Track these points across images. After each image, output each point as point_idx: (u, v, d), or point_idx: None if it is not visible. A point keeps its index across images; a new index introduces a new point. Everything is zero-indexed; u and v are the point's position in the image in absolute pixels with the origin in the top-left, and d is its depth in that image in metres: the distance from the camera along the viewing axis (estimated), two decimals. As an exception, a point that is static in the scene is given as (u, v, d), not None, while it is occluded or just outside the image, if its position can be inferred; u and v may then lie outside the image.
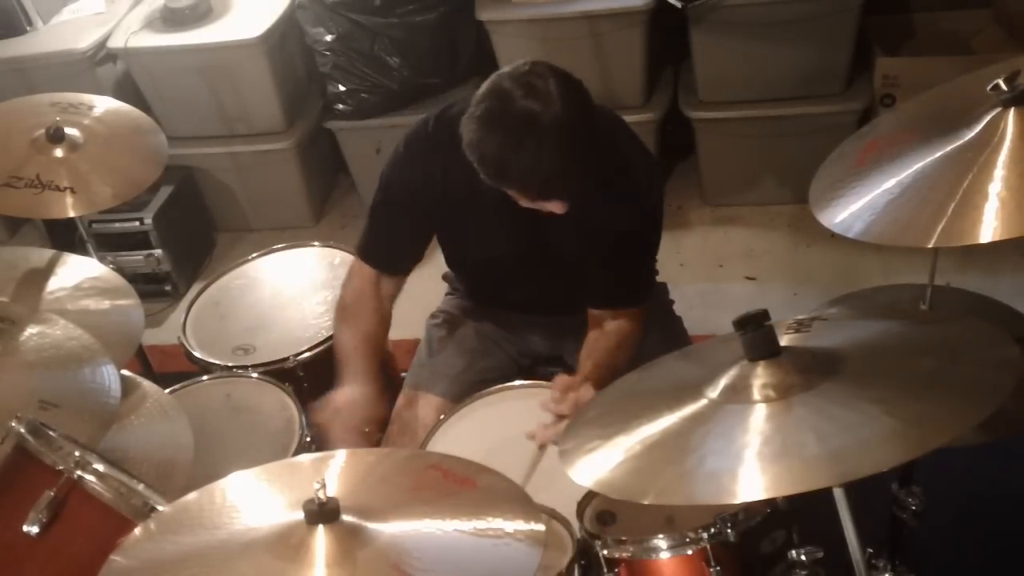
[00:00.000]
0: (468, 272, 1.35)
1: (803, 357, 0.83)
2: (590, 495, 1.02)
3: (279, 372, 1.34)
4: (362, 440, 1.17)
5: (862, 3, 1.89)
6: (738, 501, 0.79)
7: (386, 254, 1.25)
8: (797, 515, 0.96)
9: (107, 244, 2.07)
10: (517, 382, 1.26)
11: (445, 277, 1.43)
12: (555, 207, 1.06)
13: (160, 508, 0.83)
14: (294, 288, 1.51)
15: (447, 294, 1.42)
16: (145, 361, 1.50)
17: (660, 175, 1.22)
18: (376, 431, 1.21)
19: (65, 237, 1.81)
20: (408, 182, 1.19)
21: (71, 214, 1.30)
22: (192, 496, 0.81)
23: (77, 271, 1.33)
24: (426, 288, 1.46)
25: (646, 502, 0.76)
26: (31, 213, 1.49)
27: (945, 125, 0.88)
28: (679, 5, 1.91)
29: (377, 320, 1.26)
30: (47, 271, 1.32)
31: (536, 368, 1.37)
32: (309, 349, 1.36)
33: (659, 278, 1.32)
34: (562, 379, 1.14)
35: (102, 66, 2.17)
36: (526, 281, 1.26)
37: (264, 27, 2.08)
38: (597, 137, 1.03)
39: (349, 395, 1.20)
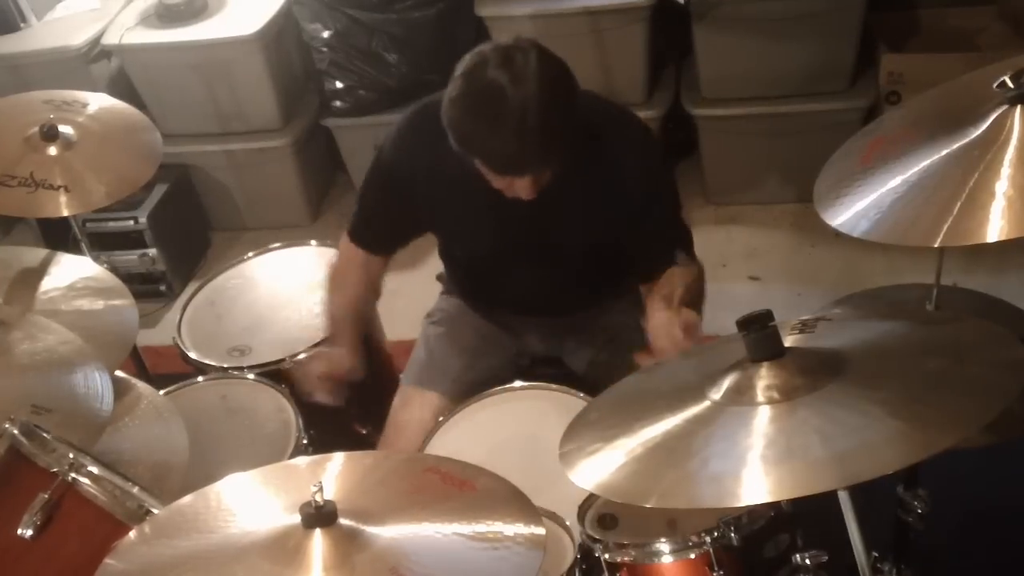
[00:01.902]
0: (462, 268, 1.34)
1: (807, 358, 0.82)
2: (591, 498, 1.02)
3: (275, 373, 1.33)
4: (319, 387, 1.25)
5: (866, -1, 1.88)
6: (741, 504, 0.79)
7: (371, 235, 1.27)
8: (801, 518, 0.95)
9: (101, 243, 2.06)
10: (517, 383, 1.25)
11: (439, 277, 1.42)
12: (522, 190, 1.04)
13: (155, 511, 0.83)
14: (291, 288, 1.50)
15: (442, 293, 1.41)
16: (140, 362, 1.49)
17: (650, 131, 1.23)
18: (332, 386, 1.27)
19: (59, 236, 1.80)
20: (396, 168, 1.20)
21: (65, 213, 1.28)
22: (187, 499, 0.80)
23: (71, 271, 1.31)
24: (424, 288, 1.45)
25: (648, 505, 0.75)
26: (24, 212, 1.48)
27: (951, 123, 0.87)
28: (681, 1, 1.90)
29: (362, 291, 1.30)
30: (40, 271, 1.31)
31: (535, 369, 1.36)
32: (306, 350, 1.35)
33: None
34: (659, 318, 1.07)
35: (96, 63, 2.15)
36: (520, 278, 1.24)
37: (260, 23, 2.06)
38: (573, 120, 1.01)
39: (325, 350, 1.27)
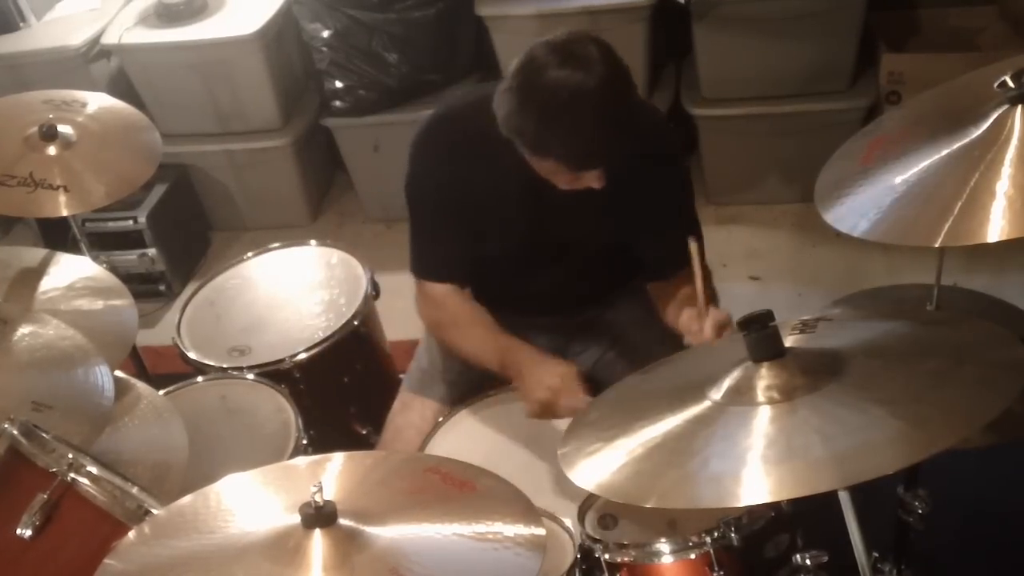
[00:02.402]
0: (479, 270, 1.32)
1: (808, 358, 0.82)
2: (591, 498, 1.01)
3: (275, 373, 1.33)
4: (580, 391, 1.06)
5: (867, -1, 1.88)
6: (742, 504, 0.78)
7: (454, 267, 1.18)
8: (802, 518, 0.95)
9: (100, 243, 2.06)
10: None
11: None
12: (593, 180, 1.03)
13: (154, 511, 0.82)
14: (291, 288, 1.49)
15: None
16: (139, 362, 1.48)
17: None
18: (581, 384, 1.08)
19: (58, 236, 1.80)
20: (435, 190, 1.15)
21: (64, 213, 1.28)
22: (187, 499, 0.80)
23: (70, 271, 1.31)
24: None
25: (648, 505, 0.75)
26: (24, 212, 1.48)
27: (951, 123, 0.87)
28: (681, 0, 1.90)
29: (481, 313, 1.17)
30: (40, 270, 1.31)
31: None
32: (306, 350, 1.35)
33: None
34: (689, 315, 1.05)
35: (96, 63, 2.15)
36: (537, 278, 1.23)
37: (260, 23, 2.06)
38: (636, 100, 1.02)
39: (546, 370, 1.09)
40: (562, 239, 1.17)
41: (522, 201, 1.10)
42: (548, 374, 1.08)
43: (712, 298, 1.07)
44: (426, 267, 1.19)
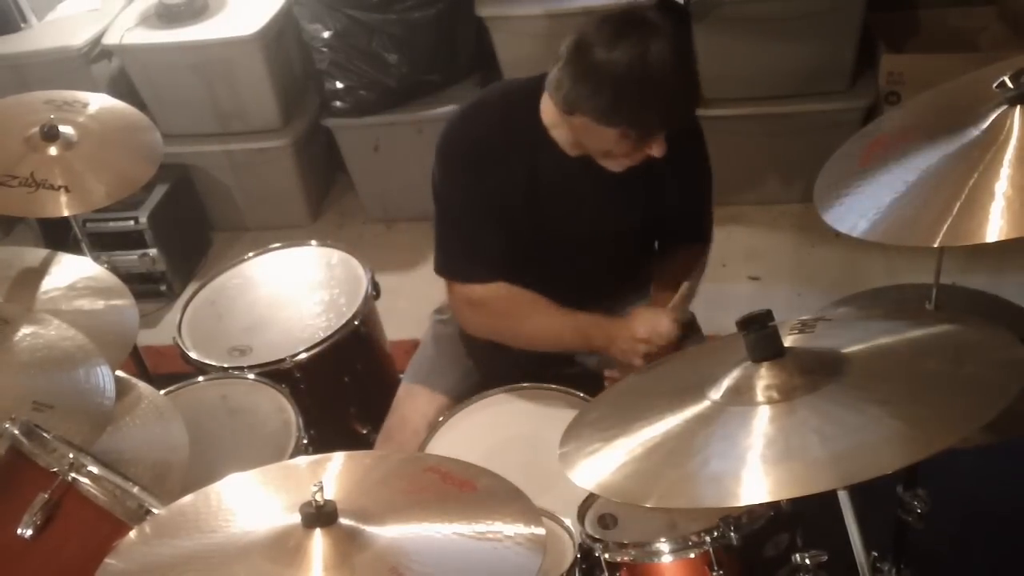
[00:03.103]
0: (512, 264, 1.28)
1: (807, 358, 0.82)
2: (591, 498, 1.02)
3: (276, 373, 1.33)
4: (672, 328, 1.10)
5: (866, -1, 1.88)
6: (741, 504, 0.78)
7: (498, 261, 1.15)
8: (801, 518, 0.95)
9: (101, 243, 2.06)
10: (523, 384, 1.25)
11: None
12: (656, 148, 1.06)
13: (155, 511, 0.82)
14: (291, 288, 1.49)
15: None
16: (140, 362, 1.48)
17: None
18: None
19: (59, 236, 1.80)
20: (470, 187, 1.14)
21: (65, 213, 1.28)
22: (188, 499, 0.80)
23: (71, 271, 1.31)
24: (424, 288, 1.45)
25: (648, 505, 0.75)
26: (25, 212, 1.48)
27: (950, 123, 0.87)
28: (681, 1, 1.90)
29: (530, 294, 1.14)
30: (41, 271, 1.31)
31: (547, 368, 1.35)
32: (306, 350, 1.35)
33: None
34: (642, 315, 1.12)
35: (97, 63, 2.15)
36: (566, 268, 1.22)
37: (261, 23, 2.06)
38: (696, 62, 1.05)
39: (631, 324, 1.11)
40: (594, 226, 1.17)
41: (552, 191, 1.11)
42: (636, 328, 1.10)
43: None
44: (463, 269, 1.16)
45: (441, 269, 1.18)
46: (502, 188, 1.13)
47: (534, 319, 1.15)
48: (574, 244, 1.19)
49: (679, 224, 1.23)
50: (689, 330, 1.14)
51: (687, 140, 1.15)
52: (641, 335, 1.09)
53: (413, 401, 1.28)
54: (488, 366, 1.31)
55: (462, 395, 1.25)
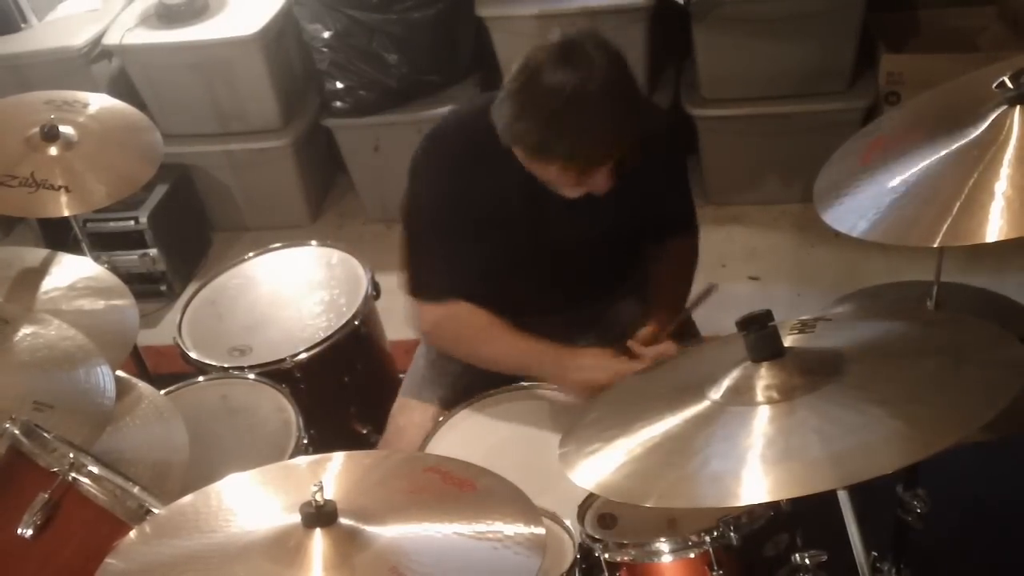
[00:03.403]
0: (485, 276, 1.31)
1: (807, 358, 0.82)
2: (591, 497, 1.02)
3: (276, 373, 1.33)
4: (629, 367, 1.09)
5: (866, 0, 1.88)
6: (741, 504, 0.78)
7: (465, 283, 1.15)
8: (801, 518, 0.95)
9: (102, 243, 2.06)
10: (516, 383, 1.25)
11: None
12: (600, 182, 1.04)
13: (155, 511, 0.82)
14: (291, 288, 1.49)
15: None
16: (140, 362, 1.49)
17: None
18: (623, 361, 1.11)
19: (59, 236, 1.80)
20: (442, 207, 1.14)
21: (65, 213, 1.29)
22: (188, 499, 0.80)
23: (71, 271, 1.32)
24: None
25: (648, 505, 0.75)
26: (25, 212, 1.49)
27: (950, 123, 0.87)
28: (681, 1, 1.90)
29: (493, 316, 1.14)
30: (41, 271, 1.31)
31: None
32: (307, 350, 1.35)
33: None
34: (643, 334, 1.14)
35: (97, 63, 2.15)
36: (545, 280, 1.23)
37: (261, 23, 2.07)
38: (636, 89, 1.03)
39: (587, 360, 1.10)
40: (567, 243, 1.17)
41: (525, 208, 1.10)
42: (591, 365, 1.09)
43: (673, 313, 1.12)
44: (430, 288, 1.16)
45: (411, 289, 1.17)
46: (474, 204, 1.13)
47: (492, 340, 1.15)
48: (552, 255, 1.19)
49: (662, 222, 1.22)
50: (684, 338, 1.14)
51: (652, 145, 1.11)
52: (602, 383, 1.06)
53: (408, 414, 1.28)
54: (482, 372, 1.31)
55: (454, 405, 1.25)
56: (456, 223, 1.14)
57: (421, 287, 1.17)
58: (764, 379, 0.79)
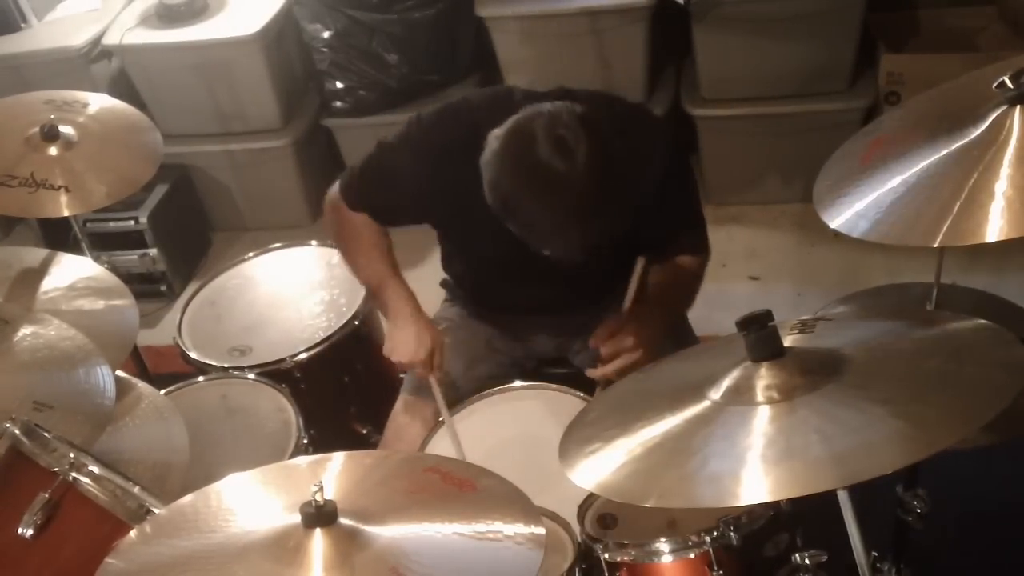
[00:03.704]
0: (472, 273, 1.33)
1: (807, 358, 0.82)
2: (591, 498, 1.02)
3: (276, 373, 1.33)
4: (429, 359, 1.20)
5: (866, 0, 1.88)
6: (741, 504, 0.78)
7: (371, 210, 1.23)
8: (801, 518, 0.95)
9: (102, 243, 2.06)
10: (517, 383, 1.25)
11: (443, 284, 1.41)
12: (544, 251, 1.06)
13: (156, 511, 0.82)
14: (291, 288, 1.50)
15: (445, 301, 1.40)
16: (140, 362, 1.49)
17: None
18: (438, 344, 1.21)
19: (59, 236, 1.81)
20: (403, 168, 1.17)
21: (65, 213, 1.29)
22: (188, 499, 0.80)
23: (71, 271, 1.32)
24: (425, 290, 1.45)
25: (648, 505, 0.75)
26: (25, 212, 1.48)
27: (950, 123, 0.87)
28: (681, 1, 1.90)
29: (386, 241, 1.25)
30: (41, 271, 1.31)
31: (541, 369, 1.36)
32: (306, 350, 1.35)
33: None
34: (606, 324, 1.14)
35: (97, 63, 2.15)
36: (535, 279, 1.24)
37: (261, 23, 2.07)
38: (614, 207, 1.01)
39: (416, 331, 1.19)
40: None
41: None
42: (410, 340, 1.18)
43: (676, 303, 1.11)
44: (351, 189, 1.22)
45: (341, 184, 1.24)
46: (463, 192, 1.12)
47: (366, 250, 1.24)
48: (537, 257, 1.18)
49: (661, 242, 1.20)
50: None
51: (651, 171, 1.12)
52: (407, 351, 1.18)
53: (409, 413, 1.28)
54: (482, 367, 1.31)
55: (455, 402, 1.25)
56: (410, 189, 1.17)
57: (349, 183, 1.23)
58: (764, 379, 0.79)
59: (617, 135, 1.07)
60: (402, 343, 1.20)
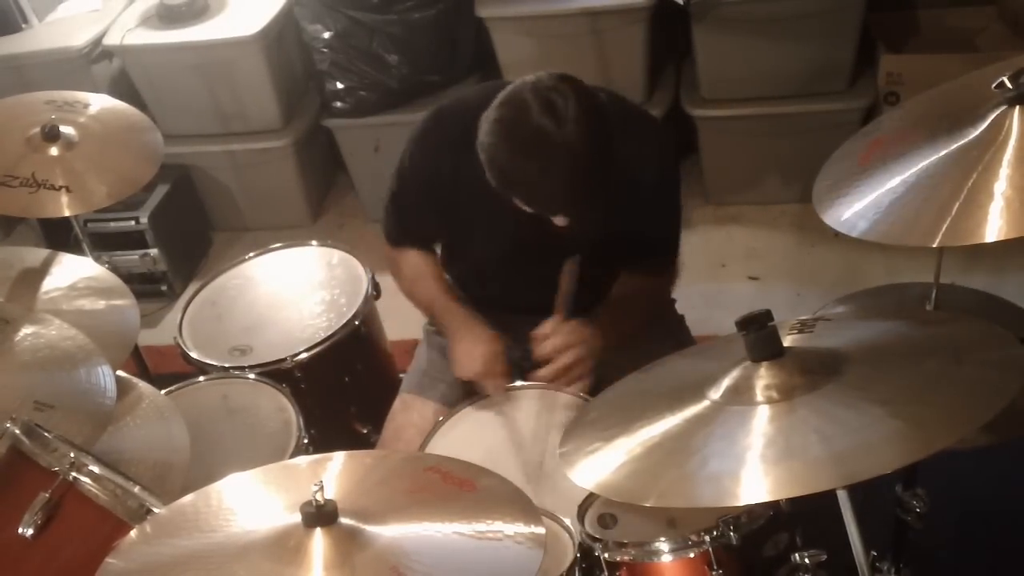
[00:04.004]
0: (471, 272, 1.34)
1: (806, 358, 0.82)
2: (591, 497, 1.02)
3: (276, 373, 1.33)
4: (504, 375, 1.20)
5: (866, 0, 1.88)
6: (741, 503, 0.78)
7: (414, 237, 1.30)
8: (800, 518, 0.95)
9: (102, 243, 2.06)
10: (517, 383, 1.25)
11: None
12: (557, 220, 1.07)
13: (156, 510, 0.82)
14: (292, 288, 1.50)
15: None
16: (141, 362, 1.49)
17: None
18: (506, 364, 1.22)
19: (60, 236, 1.80)
20: (422, 171, 1.21)
21: (66, 213, 1.29)
22: (188, 498, 0.80)
23: (72, 271, 1.32)
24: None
25: (648, 504, 0.76)
26: (26, 212, 1.48)
27: (950, 123, 0.87)
28: (681, 2, 1.90)
29: (431, 265, 1.30)
30: (42, 271, 1.31)
31: (538, 371, 1.36)
32: (307, 350, 1.35)
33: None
34: (542, 324, 1.16)
35: (98, 64, 2.16)
36: (532, 279, 1.25)
37: (261, 24, 2.07)
38: (609, 162, 1.03)
39: (474, 347, 1.21)
40: (550, 240, 1.18)
41: (507, 205, 1.11)
42: (475, 353, 1.19)
43: (631, 319, 1.13)
44: (391, 233, 1.29)
45: (386, 232, 1.31)
46: (463, 187, 1.15)
47: (418, 288, 1.29)
48: (534, 254, 1.20)
49: (639, 248, 1.20)
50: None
51: (648, 177, 1.13)
52: (473, 364, 1.19)
53: (407, 412, 1.29)
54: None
55: (454, 401, 1.26)
56: (439, 195, 1.19)
57: (385, 222, 1.31)
58: (764, 379, 0.80)
59: (619, 123, 1.08)
60: (468, 360, 1.19)
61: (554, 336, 1.14)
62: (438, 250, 1.32)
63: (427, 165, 1.20)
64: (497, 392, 1.19)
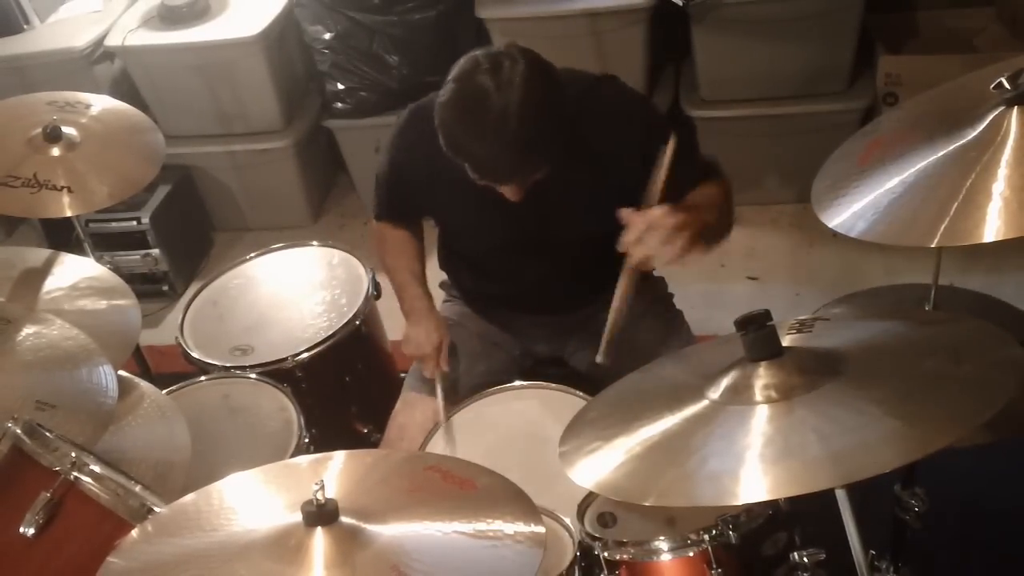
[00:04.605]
0: (466, 268, 1.34)
1: (805, 358, 0.82)
2: (590, 496, 1.02)
3: (277, 373, 1.34)
4: (435, 354, 1.24)
5: (864, 1, 1.88)
6: (740, 503, 0.79)
7: (398, 215, 1.32)
8: (799, 517, 0.96)
9: (104, 244, 2.06)
10: (517, 383, 1.26)
11: (442, 285, 1.42)
12: (506, 191, 1.07)
13: (157, 510, 0.83)
14: (292, 288, 1.50)
15: (444, 301, 1.41)
16: (142, 362, 1.49)
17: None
18: (445, 341, 1.26)
19: (62, 236, 1.81)
20: (400, 168, 1.24)
21: (68, 213, 1.29)
22: (190, 498, 0.81)
23: (74, 271, 1.32)
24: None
25: (647, 503, 0.76)
26: (28, 212, 1.49)
27: (948, 124, 0.87)
28: (680, 3, 1.90)
29: (419, 246, 1.34)
30: (44, 271, 1.32)
31: (537, 369, 1.36)
32: (308, 350, 1.35)
33: (655, 273, 1.31)
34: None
35: (99, 64, 2.16)
36: (525, 274, 1.25)
37: (262, 25, 2.07)
38: (556, 127, 1.01)
39: (427, 328, 1.25)
40: (541, 234, 1.18)
41: (492, 198, 1.11)
42: (422, 336, 1.24)
43: (712, 220, 1.05)
44: (379, 211, 1.32)
45: (375, 212, 1.34)
46: (451, 180, 1.14)
47: (388, 261, 1.33)
48: (526, 250, 1.21)
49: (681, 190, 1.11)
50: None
51: (635, 150, 1.08)
52: (415, 346, 1.25)
53: (410, 411, 1.29)
54: (481, 365, 1.31)
55: (457, 402, 1.26)
56: (423, 183, 1.21)
57: (375, 200, 1.34)
58: (763, 378, 0.80)
59: (607, 103, 1.08)
60: (412, 337, 1.25)
61: (652, 212, 1.01)
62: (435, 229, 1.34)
63: (403, 162, 1.22)
64: (433, 374, 1.24)
